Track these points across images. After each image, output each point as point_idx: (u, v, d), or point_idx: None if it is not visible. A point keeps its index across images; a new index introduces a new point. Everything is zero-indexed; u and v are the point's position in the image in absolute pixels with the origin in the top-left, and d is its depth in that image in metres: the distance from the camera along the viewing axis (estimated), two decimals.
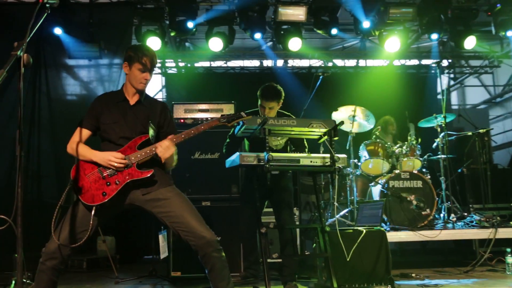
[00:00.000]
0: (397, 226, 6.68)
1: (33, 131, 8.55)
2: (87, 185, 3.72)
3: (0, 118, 8.18)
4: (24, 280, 4.97)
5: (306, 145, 5.78)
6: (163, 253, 6.30)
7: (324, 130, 5.15)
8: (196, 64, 11.35)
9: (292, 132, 5.27)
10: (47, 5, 3.44)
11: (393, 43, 8.99)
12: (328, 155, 5.11)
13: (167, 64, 11.29)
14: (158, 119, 4.12)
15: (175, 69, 11.45)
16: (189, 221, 3.76)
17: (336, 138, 5.18)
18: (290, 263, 5.61)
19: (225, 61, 11.58)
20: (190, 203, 3.92)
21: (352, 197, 7.14)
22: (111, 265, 7.10)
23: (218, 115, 6.59)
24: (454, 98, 14.74)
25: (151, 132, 3.98)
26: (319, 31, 8.78)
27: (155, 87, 13.17)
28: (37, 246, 3.73)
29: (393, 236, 6.46)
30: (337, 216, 6.93)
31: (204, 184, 6.50)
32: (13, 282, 4.71)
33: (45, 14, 3.47)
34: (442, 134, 7.47)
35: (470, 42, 8.81)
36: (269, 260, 5.45)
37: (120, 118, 3.98)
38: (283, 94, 5.71)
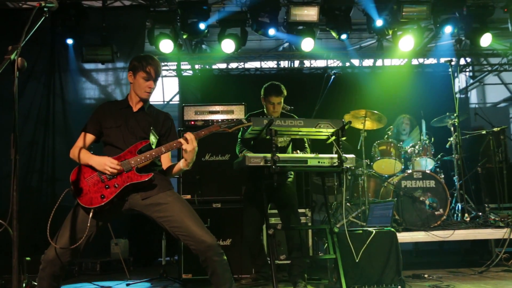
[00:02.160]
0: (410, 227, 6.64)
1: (48, 134, 8.67)
2: (86, 188, 3.73)
3: (28, 131, 8.43)
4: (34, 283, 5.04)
5: (307, 145, 5.78)
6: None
7: (332, 130, 5.12)
8: (213, 66, 11.41)
9: (300, 133, 5.26)
10: (45, 9, 3.40)
11: (407, 42, 8.90)
12: (336, 155, 5.08)
13: (182, 67, 11.35)
14: (160, 128, 4.13)
15: (190, 72, 11.50)
16: (189, 226, 3.75)
17: (344, 138, 5.15)
18: (298, 263, 5.60)
19: (241, 63, 11.61)
20: (190, 207, 3.91)
21: (364, 198, 7.10)
22: (123, 267, 7.17)
23: (228, 116, 6.68)
24: (474, 96, 14.61)
25: (152, 138, 3.99)
26: (332, 32, 8.70)
27: (171, 90, 13.30)
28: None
29: (405, 237, 6.44)
30: (347, 217, 6.90)
31: (214, 186, 6.53)
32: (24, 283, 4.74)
33: (43, 18, 3.44)
34: (456, 133, 7.38)
35: (486, 40, 8.69)
36: (277, 262, 5.39)
37: (123, 123, 4.01)
38: (285, 89, 5.82)
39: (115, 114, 4.05)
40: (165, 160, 4.10)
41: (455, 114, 7.27)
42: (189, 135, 3.82)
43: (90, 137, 4.01)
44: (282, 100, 5.78)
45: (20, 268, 3.02)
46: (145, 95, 4.05)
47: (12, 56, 3.06)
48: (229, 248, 6.15)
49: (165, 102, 13.58)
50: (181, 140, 3.84)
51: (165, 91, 13.94)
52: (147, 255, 8.54)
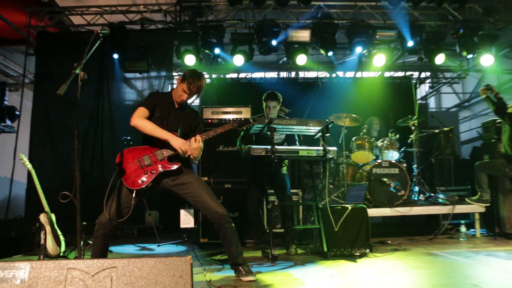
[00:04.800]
0: (378, 204, 6.78)
1: (98, 129, 8.79)
2: (129, 172, 3.84)
3: (83, 125, 8.53)
4: (89, 242, 5.24)
5: (297, 141, 5.93)
6: (184, 224, 6.45)
7: (318, 128, 5.30)
8: (227, 76, 11.48)
9: (293, 130, 5.44)
10: (100, 34, 3.59)
11: (379, 59, 8.95)
12: (321, 148, 5.27)
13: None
14: (191, 123, 4.24)
15: (208, 80, 11.58)
16: (206, 200, 3.91)
17: (328, 135, 5.33)
18: (290, 231, 5.77)
19: (249, 73, 11.71)
20: (207, 186, 4.06)
21: (344, 181, 7.21)
22: (155, 233, 7.36)
23: (238, 116, 6.83)
24: (432, 102, 14.65)
25: (179, 131, 4.08)
26: (320, 50, 8.80)
27: None
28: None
29: (375, 212, 6.60)
30: (329, 196, 7.01)
31: (226, 170, 6.70)
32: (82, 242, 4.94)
33: (99, 41, 3.63)
34: (415, 131, 7.52)
35: (440, 59, 8.71)
36: (274, 230, 5.56)
37: (166, 115, 4.10)
38: (281, 97, 5.96)
39: (163, 106, 4.11)
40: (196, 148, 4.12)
41: (415, 117, 7.42)
42: (197, 137, 3.93)
43: (146, 112, 4.00)
44: (278, 105, 5.91)
45: (81, 230, 3.19)
46: (178, 100, 4.14)
47: (77, 71, 3.27)
48: (237, 219, 6.27)
49: (189, 103, 13.66)
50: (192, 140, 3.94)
51: None
52: (174, 224, 8.68)
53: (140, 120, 3.94)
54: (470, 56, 8.71)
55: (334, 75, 11.57)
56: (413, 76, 11.28)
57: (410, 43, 8.53)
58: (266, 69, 11.63)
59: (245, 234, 6.41)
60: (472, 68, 10.56)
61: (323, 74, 11.59)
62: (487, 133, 7.33)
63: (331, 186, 7.41)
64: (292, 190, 7.20)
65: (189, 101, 4.38)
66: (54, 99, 8.32)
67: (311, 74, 11.85)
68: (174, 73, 10.78)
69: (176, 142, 3.88)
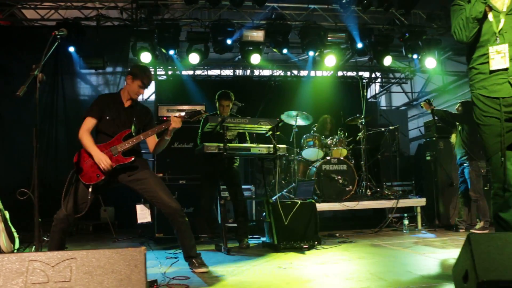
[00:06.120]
0: (327, 199, 7.05)
1: (53, 125, 8.76)
2: (86, 169, 3.97)
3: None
4: (44, 238, 5.31)
5: (248, 138, 6.17)
6: (141, 219, 6.56)
7: (269, 126, 5.52)
8: (183, 72, 11.56)
9: (245, 128, 5.66)
10: (58, 36, 3.72)
11: (330, 59, 9.31)
12: (272, 145, 5.52)
13: (158, 72, 11.50)
14: (144, 119, 4.38)
15: (164, 76, 11.67)
16: (161, 195, 4.08)
17: (278, 133, 5.58)
18: (242, 226, 6.00)
19: (205, 70, 11.86)
20: (161, 182, 4.22)
21: (295, 177, 7.49)
22: (110, 229, 7.45)
23: None
24: (383, 101, 15.23)
25: (133, 128, 4.23)
26: (274, 50, 9.08)
27: (148, 91, 13.39)
28: (53, 213, 3.96)
29: (324, 206, 6.86)
30: (281, 191, 7.27)
31: (181, 167, 6.80)
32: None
33: (56, 43, 3.75)
34: (363, 130, 7.83)
35: (387, 60, 9.17)
36: (227, 225, 5.77)
37: (117, 116, 4.22)
38: (233, 95, 6.18)
39: (112, 108, 4.23)
40: (152, 140, 4.33)
41: (362, 116, 7.79)
42: (176, 118, 4.19)
43: (94, 122, 4.14)
44: (230, 103, 6.13)
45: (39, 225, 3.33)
46: (135, 97, 4.29)
47: (36, 72, 3.41)
48: (191, 214, 6.45)
49: (144, 99, 13.72)
50: (171, 121, 4.17)
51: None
52: (129, 220, 8.73)
53: (84, 135, 4.10)
54: (415, 58, 9.23)
55: (288, 73, 11.87)
56: (363, 76, 11.75)
57: (360, 45, 8.94)
58: (222, 66, 11.82)
59: (199, 229, 6.57)
60: (419, 70, 11.10)
61: (278, 72, 11.87)
62: (428, 132, 7.80)
63: (283, 182, 7.67)
64: (245, 186, 7.47)
65: (146, 97, 4.53)
66: (6, 93, 8.20)
67: (267, 72, 12.11)
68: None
69: (97, 157, 4.00)
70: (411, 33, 9.02)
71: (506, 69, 3.24)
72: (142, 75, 4.24)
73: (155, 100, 11.43)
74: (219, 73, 12.11)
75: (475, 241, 2.67)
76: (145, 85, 4.28)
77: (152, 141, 4.36)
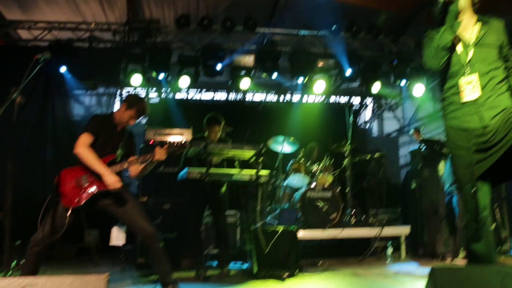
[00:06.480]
0: (311, 226, 6.98)
1: (42, 144, 8.77)
2: (66, 191, 4.02)
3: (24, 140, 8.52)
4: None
5: (235, 163, 6.20)
6: (115, 242, 6.52)
7: (253, 152, 5.56)
8: (176, 96, 11.61)
9: (229, 154, 5.69)
10: (40, 60, 3.79)
11: (320, 85, 9.43)
12: (254, 171, 5.55)
13: (150, 95, 11.55)
14: (130, 143, 4.49)
15: (157, 99, 11.69)
16: (137, 219, 4.12)
17: (261, 159, 5.62)
18: (224, 252, 5.97)
19: (198, 94, 11.93)
20: (139, 206, 4.27)
21: (280, 203, 7.48)
22: (93, 253, 7.40)
23: (179, 138, 7.02)
24: (375, 127, 15.28)
25: (118, 154, 4.28)
26: (264, 74, 9.20)
27: None
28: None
29: (308, 234, 6.82)
30: (266, 217, 7.26)
31: (166, 191, 6.72)
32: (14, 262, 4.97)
33: (39, 66, 3.82)
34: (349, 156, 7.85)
35: (376, 87, 9.31)
36: (209, 251, 5.78)
37: (109, 139, 4.29)
38: (222, 119, 6.20)
39: (107, 130, 4.30)
40: (134, 167, 4.37)
41: (348, 143, 7.84)
42: (161, 150, 4.29)
43: (91, 139, 4.16)
44: (219, 127, 6.12)
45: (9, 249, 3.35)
46: (125, 125, 4.39)
47: (14, 96, 3.47)
48: (175, 239, 6.39)
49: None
50: (156, 153, 4.26)
51: None
52: None
53: (83, 149, 4.10)
54: (403, 84, 9.37)
55: (282, 98, 11.94)
56: (353, 103, 11.86)
57: (349, 72, 9.07)
58: (215, 89, 11.89)
59: (181, 255, 6.51)
60: (407, 97, 11.21)
61: (271, 97, 11.93)
62: (414, 160, 7.86)
63: (267, 208, 7.65)
64: (230, 211, 7.46)
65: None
66: None
67: (260, 97, 12.18)
68: (124, 91, 10.89)
69: (110, 179, 4.04)
70: (400, 60, 9.17)
71: (476, 100, 3.29)
72: (136, 107, 4.33)
73: (147, 123, 11.43)
74: (213, 96, 12.16)
75: (438, 275, 2.70)
76: (137, 117, 4.36)
77: (134, 167, 4.40)
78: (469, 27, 3.44)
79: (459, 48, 3.41)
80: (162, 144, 4.34)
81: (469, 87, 3.33)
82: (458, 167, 3.41)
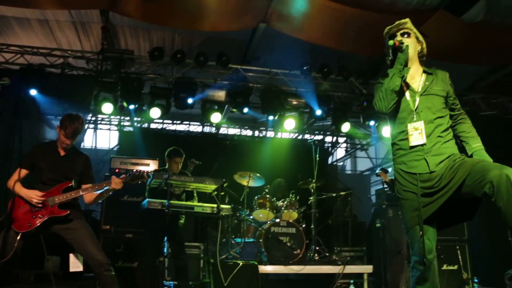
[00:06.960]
0: (274, 261, 6.93)
1: (5, 167, 8.66)
2: (18, 216, 4.04)
3: None
4: None
5: (195, 195, 6.25)
6: (73, 268, 6.43)
7: (214, 186, 5.64)
8: (152, 125, 11.64)
9: (191, 186, 5.76)
10: None
11: (289, 123, 9.56)
12: (215, 205, 5.60)
13: (124, 123, 11.59)
14: (81, 168, 4.45)
15: (131, 128, 11.71)
16: (89, 247, 4.13)
17: (222, 193, 5.70)
18: (182, 285, 5.96)
19: (173, 125, 11.98)
20: (92, 233, 4.28)
21: (244, 238, 7.46)
22: (51, 280, 7.25)
23: (145, 168, 7.06)
24: (349, 165, 15.53)
25: (74, 180, 4.31)
26: (233, 110, 9.32)
27: (112, 141, 13.44)
28: None
29: (270, 269, 6.75)
30: (229, 251, 7.26)
31: (128, 220, 6.69)
32: None
33: None
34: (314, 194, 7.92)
35: (345, 127, 9.48)
36: (165, 282, 5.76)
37: (52, 165, 4.31)
38: (183, 153, 6.36)
39: (46, 157, 4.32)
40: (89, 194, 4.39)
41: (314, 180, 7.95)
42: (118, 179, 4.31)
43: (24, 172, 4.31)
44: (180, 160, 6.26)
45: None
46: (63, 146, 4.36)
47: None
48: (135, 269, 6.35)
49: (109, 148, 13.78)
50: (112, 182, 4.29)
51: (111, 139, 14.30)
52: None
53: (11, 183, 4.28)
54: (372, 125, 9.58)
55: (256, 133, 12.07)
56: (326, 140, 12.04)
57: (319, 112, 9.24)
58: (190, 120, 11.98)
59: (141, 285, 6.43)
60: (377, 137, 11.44)
61: (248, 131, 12.05)
62: (379, 200, 7.99)
63: (232, 241, 7.66)
64: (194, 243, 7.45)
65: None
66: None
67: (235, 131, 12.33)
68: (97, 117, 10.93)
69: (26, 195, 4.17)
70: (369, 102, 9.38)
71: (423, 145, 3.42)
72: (66, 124, 4.30)
73: (119, 152, 11.41)
74: (187, 128, 12.24)
75: None
76: (71, 136, 4.30)
77: (88, 195, 4.42)
78: (416, 77, 3.61)
79: (407, 95, 3.57)
80: (126, 173, 4.40)
81: (416, 133, 3.47)
82: (406, 210, 3.50)
